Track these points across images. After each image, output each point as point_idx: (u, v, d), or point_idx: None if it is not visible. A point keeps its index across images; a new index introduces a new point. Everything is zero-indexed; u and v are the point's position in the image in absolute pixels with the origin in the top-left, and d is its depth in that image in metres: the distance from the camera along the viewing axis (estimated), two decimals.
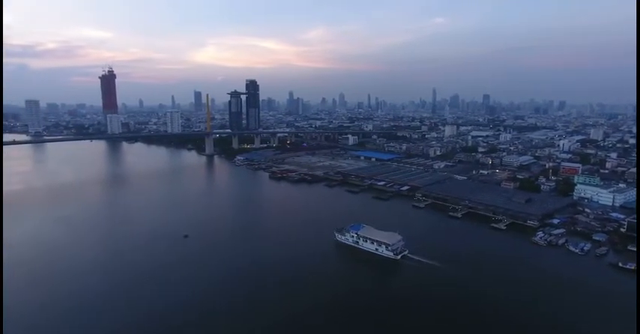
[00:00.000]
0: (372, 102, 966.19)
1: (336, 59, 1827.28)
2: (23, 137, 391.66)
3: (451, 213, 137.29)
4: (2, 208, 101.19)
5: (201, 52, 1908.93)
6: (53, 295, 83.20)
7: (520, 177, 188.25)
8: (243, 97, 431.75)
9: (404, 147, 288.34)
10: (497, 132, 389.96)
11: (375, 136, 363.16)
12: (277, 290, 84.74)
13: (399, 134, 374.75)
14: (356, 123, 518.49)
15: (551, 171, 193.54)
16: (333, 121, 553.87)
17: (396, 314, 75.68)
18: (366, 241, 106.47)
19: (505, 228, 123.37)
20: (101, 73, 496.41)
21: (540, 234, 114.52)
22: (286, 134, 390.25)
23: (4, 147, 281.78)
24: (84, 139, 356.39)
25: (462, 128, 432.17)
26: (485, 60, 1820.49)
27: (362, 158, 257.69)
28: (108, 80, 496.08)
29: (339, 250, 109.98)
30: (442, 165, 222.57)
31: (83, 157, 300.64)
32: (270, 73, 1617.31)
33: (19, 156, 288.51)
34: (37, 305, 78.83)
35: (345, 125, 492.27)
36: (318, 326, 72.15)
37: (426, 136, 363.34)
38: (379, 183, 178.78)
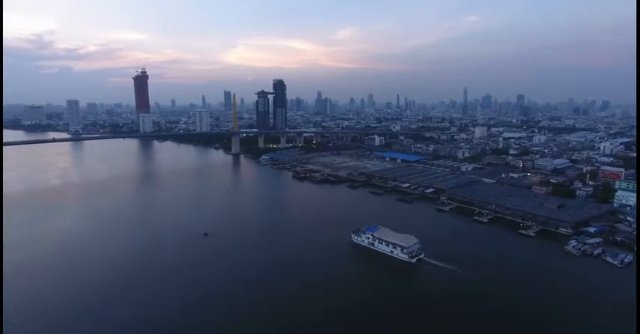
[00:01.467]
0: (401, 103, 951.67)
1: (365, 59, 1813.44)
2: (64, 135, 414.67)
3: (476, 218, 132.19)
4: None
5: (232, 53, 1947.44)
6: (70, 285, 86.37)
7: (553, 181, 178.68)
8: (271, 97, 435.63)
9: (431, 148, 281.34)
10: (530, 134, 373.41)
11: (402, 137, 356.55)
12: (286, 291, 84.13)
13: (427, 135, 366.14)
14: (383, 123, 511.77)
15: (588, 175, 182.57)
16: (361, 121, 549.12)
17: (405, 320, 73.42)
18: (382, 243, 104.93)
19: (534, 234, 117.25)
20: (135, 74, 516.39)
21: (573, 242, 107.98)
22: (312, 134, 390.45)
23: (47, 145, 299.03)
24: (117, 138, 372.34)
25: (494, 129, 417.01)
26: (519, 58, 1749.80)
27: (387, 159, 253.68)
28: (141, 81, 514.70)
29: (355, 251, 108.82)
30: (470, 167, 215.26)
31: (116, 155, 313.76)
32: (299, 73, 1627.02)
33: (59, 153, 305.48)
34: (52, 301, 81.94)
35: (372, 125, 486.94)
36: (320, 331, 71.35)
37: (455, 137, 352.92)
38: (403, 185, 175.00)
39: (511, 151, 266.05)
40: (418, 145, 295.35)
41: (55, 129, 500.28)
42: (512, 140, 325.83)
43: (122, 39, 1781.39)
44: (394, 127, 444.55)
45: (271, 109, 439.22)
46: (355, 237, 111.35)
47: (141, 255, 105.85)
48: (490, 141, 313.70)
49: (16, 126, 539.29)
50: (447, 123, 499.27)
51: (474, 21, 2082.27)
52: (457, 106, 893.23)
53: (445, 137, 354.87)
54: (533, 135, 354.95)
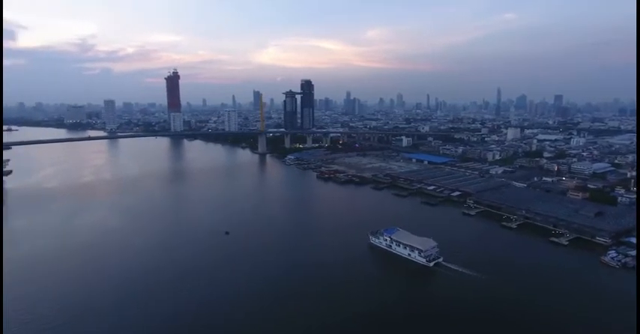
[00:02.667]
0: (432, 103, 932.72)
1: (395, 59, 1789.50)
2: (100, 133, 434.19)
3: (504, 223, 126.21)
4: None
5: (263, 53, 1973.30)
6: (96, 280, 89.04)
7: (592, 186, 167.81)
8: (298, 97, 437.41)
9: (460, 150, 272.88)
10: (568, 136, 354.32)
11: (430, 138, 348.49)
12: (298, 293, 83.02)
13: (456, 136, 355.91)
14: (412, 124, 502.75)
15: (633, 180, 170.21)
16: (389, 122, 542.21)
17: (415, 326, 71.03)
18: (399, 245, 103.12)
19: (567, 243, 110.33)
20: (167, 75, 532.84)
21: (612, 253, 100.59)
22: (339, 134, 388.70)
23: (85, 142, 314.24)
24: (149, 136, 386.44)
25: (528, 131, 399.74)
26: (557, 57, 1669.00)
27: (414, 160, 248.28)
28: (172, 81, 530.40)
29: (373, 253, 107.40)
30: (500, 170, 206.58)
31: (147, 152, 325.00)
32: (328, 73, 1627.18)
33: (95, 150, 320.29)
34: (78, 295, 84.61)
35: (400, 126, 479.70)
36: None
37: (486, 139, 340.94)
38: (429, 188, 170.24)
39: (545, 154, 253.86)
40: (446, 147, 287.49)
41: (94, 128, 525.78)
42: (548, 142, 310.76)
43: (158, 40, 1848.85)
44: (423, 128, 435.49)
45: (299, 109, 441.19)
46: (373, 239, 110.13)
47: (161, 252, 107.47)
48: (523, 144, 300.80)
49: (60, 124, 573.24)
50: (478, 125, 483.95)
51: (511, 19, 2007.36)
52: (489, 107, 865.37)
53: (475, 139, 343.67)
54: (571, 138, 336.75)
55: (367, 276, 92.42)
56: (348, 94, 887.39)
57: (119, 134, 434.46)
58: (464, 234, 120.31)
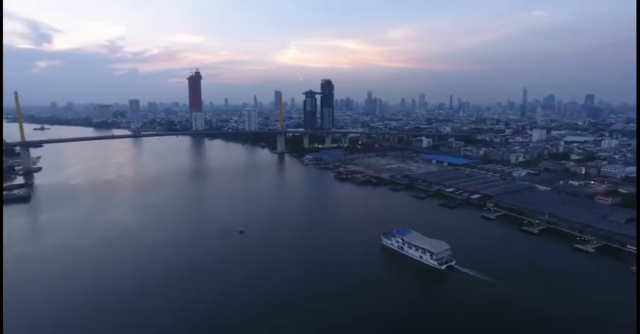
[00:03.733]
0: (454, 104, 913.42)
1: (418, 59, 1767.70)
2: (125, 132, 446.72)
3: (525, 228, 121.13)
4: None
5: (284, 53, 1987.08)
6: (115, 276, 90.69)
7: (623, 191, 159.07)
8: (318, 97, 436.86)
9: (482, 151, 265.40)
10: (599, 138, 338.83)
11: (451, 139, 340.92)
12: (306, 294, 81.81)
13: (478, 137, 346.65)
14: (434, 125, 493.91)
15: None
16: (410, 122, 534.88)
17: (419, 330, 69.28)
18: (411, 247, 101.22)
19: (593, 250, 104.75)
20: (189, 75, 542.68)
21: None
22: (358, 134, 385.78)
23: (110, 140, 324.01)
24: (171, 135, 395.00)
25: (555, 132, 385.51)
26: (588, 56, 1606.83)
27: (434, 162, 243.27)
28: (194, 81, 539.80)
29: (384, 255, 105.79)
30: (523, 173, 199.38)
31: (169, 151, 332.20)
32: (350, 73, 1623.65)
33: (120, 148, 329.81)
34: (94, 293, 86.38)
35: (421, 127, 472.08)
36: None
37: (510, 140, 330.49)
38: (447, 190, 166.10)
39: (573, 156, 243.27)
40: (468, 148, 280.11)
41: (119, 127, 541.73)
42: (576, 144, 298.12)
43: (182, 41, 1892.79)
44: (444, 129, 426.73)
45: (319, 109, 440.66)
46: (385, 240, 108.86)
47: (172, 250, 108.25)
48: (549, 145, 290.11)
49: (88, 123, 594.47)
50: (502, 126, 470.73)
51: (540, 16, 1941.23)
52: (515, 108, 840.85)
53: (498, 140, 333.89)
54: (602, 139, 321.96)
55: (377, 278, 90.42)
56: (370, 94, 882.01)
57: (142, 133, 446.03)
58: (481, 238, 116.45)
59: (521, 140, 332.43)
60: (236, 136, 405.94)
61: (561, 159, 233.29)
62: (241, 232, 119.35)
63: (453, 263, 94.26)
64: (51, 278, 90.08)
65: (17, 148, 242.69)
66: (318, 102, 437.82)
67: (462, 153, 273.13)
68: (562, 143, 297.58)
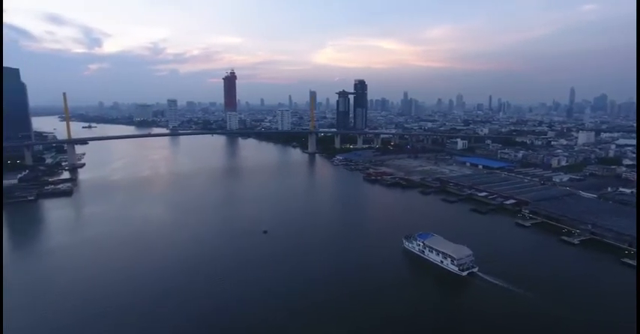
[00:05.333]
0: (494, 104, 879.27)
1: (456, 58, 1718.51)
2: (163, 130, 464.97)
3: (564, 238, 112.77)
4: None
5: (320, 54, 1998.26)
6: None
7: None
8: (352, 97, 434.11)
9: (520, 154, 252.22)
10: None
11: (488, 141, 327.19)
12: (323, 300, 79.90)
13: (517, 139, 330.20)
14: (471, 126, 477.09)
15: None
16: (446, 123, 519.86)
17: None
18: (432, 252, 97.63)
19: None
20: (224, 75, 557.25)
21: None
22: (390, 135, 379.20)
23: (149, 139, 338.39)
24: (205, 134, 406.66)
25: (605, 135, 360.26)
26: None
27: (468, 164, 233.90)
28: (229, 81, 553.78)
29: (406, 258, 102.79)
30: (565, 178, 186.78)
31: (203, 149, 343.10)
32: (386, 73, 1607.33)
33: (157, 146, 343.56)
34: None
35: (457, 128, 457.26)
36: None
37: (552, 143, 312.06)
38: (480, 194, 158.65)
39: (625, 161, 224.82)
40: (505, 151, 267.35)
41: (158, 125, 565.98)
42: (630, 148, 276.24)
43: (221, 42, 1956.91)
44: (481, 130, 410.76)
45: (352, 109, 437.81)
46: (407, 243, 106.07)
47: (196, 248, 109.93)
48: (597, 149, 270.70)
49: (130, 122, 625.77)
50: (545, 127, 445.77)
51: (590, 10, 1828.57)
52: (560, 109, 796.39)
53: (540, 142, 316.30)
54: None
55: (394, 283, 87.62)
56: (405, 94, 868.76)
57: (179, 131, 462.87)
58: (512, 246, 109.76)
59: (565, 143, 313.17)
60: (268, 136, 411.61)
61: (611, 163, 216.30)
62: (265, 232, 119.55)
63: (475, 269, 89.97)
64: (86, 268, 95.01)
65: (65, 145, 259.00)
66: (352, 102, 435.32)
67: (498, 155, 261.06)
68: (613, 146, 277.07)
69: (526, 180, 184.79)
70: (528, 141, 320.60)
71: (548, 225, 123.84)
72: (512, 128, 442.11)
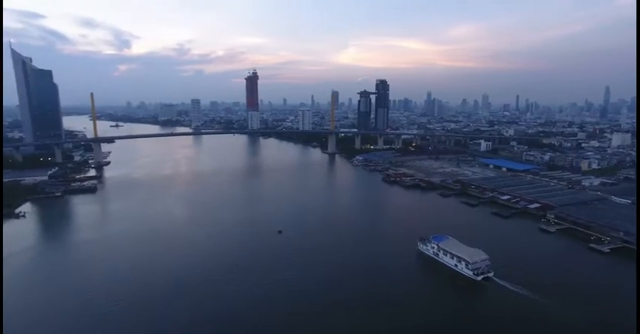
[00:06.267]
0: (521, 105, 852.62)
1: (482, 57, 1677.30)
2: (186, 129, 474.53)
3: (593, 245, 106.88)
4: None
5: (343, 54, 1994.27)
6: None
7: None
8: (373, 97, 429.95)
9: (547, 156, 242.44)
10: None
11: (513, 143, 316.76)
12: (337, 299, 78.29)
13: (545, 141, 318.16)
14: (496, 127, 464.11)
15: None
16: (470, 124, 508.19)
17: None
18: (446, 255, 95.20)
19: None
20: (247, 75, 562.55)
21: None
22: (412, 136, 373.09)
23: (172, 138, 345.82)
24: (227, 133, 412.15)
25: None
26: None
27: (491, 166, 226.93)
28: (252, 81, 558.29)
29: (420, 261, 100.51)
30: (596, 182, 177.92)
31: (224, 148, 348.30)
32: (410, 72, 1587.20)
33: (180, 145, 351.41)
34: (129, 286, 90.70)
35: (481, 129, 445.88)
36: None
37: (583, 145, 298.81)
38: (502, 198, 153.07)
39: None
40: (531, 153, 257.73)
41: (182, 124, 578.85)
42: None
43: (245, 43, 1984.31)
44: (507, 132, 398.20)
45: (374, 109, 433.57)
46: (421, 246, 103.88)
47: (210, 245, 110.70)
48: (633, 151, 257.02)
49: (155, 121, 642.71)
50: (575, 129, 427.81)
51: (626, 4, 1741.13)
52: (593, 109, 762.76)
53: (569, 144, 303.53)
54: None
55: (406, 286, 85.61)
56: (429, 95, 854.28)
57: (202, 131, 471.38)
58: (533, 252, 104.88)
59: (597, 145, 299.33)
60: (289, 135, 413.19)
61: None
62: (280, 232, 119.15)
63: (490, 274, 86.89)
64: (105, 261, 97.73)
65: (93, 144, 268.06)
66: (373, 102, 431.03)
67: (523, 158, 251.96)
68: None
69: (552, 184, 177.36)
70: (556, 143, 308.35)
71: (575, 232, 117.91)
72: (540, 129, 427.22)
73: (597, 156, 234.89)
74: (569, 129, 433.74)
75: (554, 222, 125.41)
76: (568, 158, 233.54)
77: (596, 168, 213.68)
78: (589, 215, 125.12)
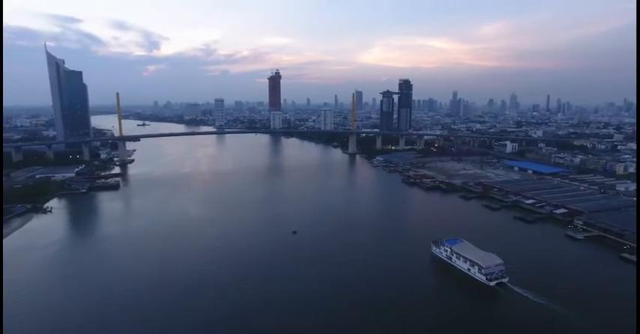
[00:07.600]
0: (552, 105, 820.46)
1: (510, 56, 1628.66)
2: (210, 129, 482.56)
3: (626, 255, 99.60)
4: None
5: (367, 53, 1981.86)
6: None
7: None
8: (396, 97, 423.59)
9: (577, 159, 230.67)
10: None
11: (542, 144, 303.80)
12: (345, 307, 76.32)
13: (576, 143, 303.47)
14: (523, 128, 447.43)
15: None
16: (497, 125, 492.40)
17: None
18: (459, 258, 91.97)
19: None
20: (269, 75, 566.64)
21: None
22: (434, 136, 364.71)
23: (196, 137, 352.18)
24: (249, 132, 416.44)
25: None
26: None
27: (516, 169, 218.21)
28: (274, 81, 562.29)
29: (433, 264, 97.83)
30: (632, 187, 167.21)
31: (246, 147, 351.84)
32: (436, 72, 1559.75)
33: (203, 144, 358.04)
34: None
35: (508, 130, 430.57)
36: None
37: (619, 147, 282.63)
38: (526, 202, 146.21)
39: None
40: (561, 155, 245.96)
41: (206, 124, 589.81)
42: None
43: (270, 43, 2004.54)
44: (535, 133, 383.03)
45: (397, 110, 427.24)
46: (435, 249, 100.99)
47: (224, 245, 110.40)
48: None
49: (180, 120, 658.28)
50: (611, 130, 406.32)
51: None
52: (633, 109, 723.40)
53: (604, 146, 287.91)
54: None
55: (415, 289, 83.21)
56: (455, 95, 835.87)
57: (225, 130, 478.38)
58: (557, 259, 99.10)
59: (634, 147, 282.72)
60: (310, 135, 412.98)
61: None
62: (294, 232, 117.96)
63: (505, 280, 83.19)
64: (122, 259, 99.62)
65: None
66: (396, 102, 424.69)
67: (552, 160, 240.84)
68: None
69: (582, 188, 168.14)
70: (589, 145, 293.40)
71: (606, 240, 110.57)
72: (572, 130, 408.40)
73: (634, 160, 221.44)
74: (604, 130, 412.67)
75: (583, 228, 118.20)
76: (601, 161, 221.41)
77: (633, 171, 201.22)
78: (622, 222, 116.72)
